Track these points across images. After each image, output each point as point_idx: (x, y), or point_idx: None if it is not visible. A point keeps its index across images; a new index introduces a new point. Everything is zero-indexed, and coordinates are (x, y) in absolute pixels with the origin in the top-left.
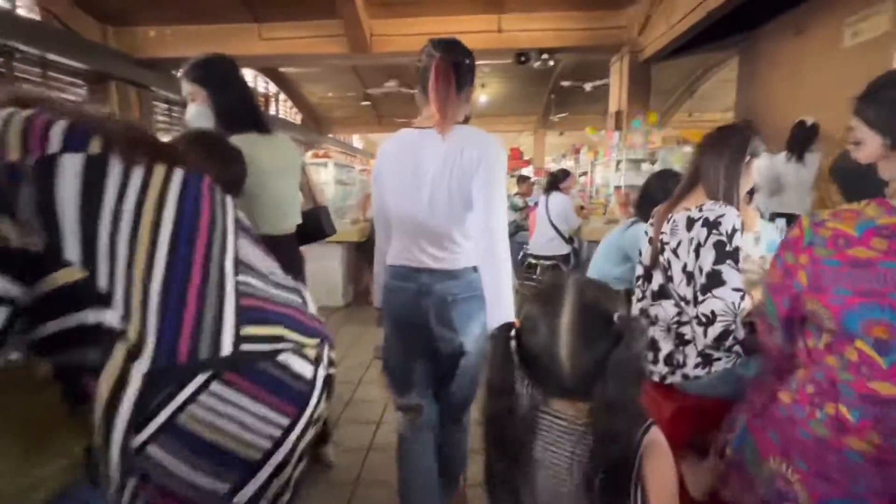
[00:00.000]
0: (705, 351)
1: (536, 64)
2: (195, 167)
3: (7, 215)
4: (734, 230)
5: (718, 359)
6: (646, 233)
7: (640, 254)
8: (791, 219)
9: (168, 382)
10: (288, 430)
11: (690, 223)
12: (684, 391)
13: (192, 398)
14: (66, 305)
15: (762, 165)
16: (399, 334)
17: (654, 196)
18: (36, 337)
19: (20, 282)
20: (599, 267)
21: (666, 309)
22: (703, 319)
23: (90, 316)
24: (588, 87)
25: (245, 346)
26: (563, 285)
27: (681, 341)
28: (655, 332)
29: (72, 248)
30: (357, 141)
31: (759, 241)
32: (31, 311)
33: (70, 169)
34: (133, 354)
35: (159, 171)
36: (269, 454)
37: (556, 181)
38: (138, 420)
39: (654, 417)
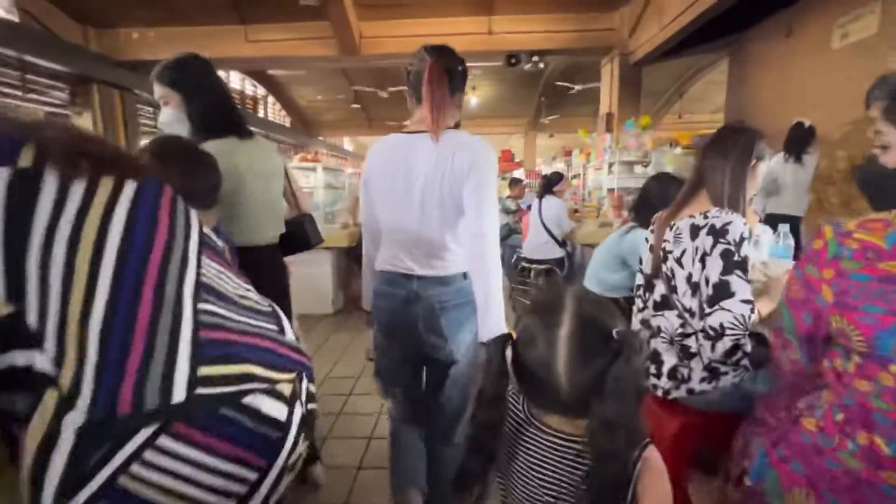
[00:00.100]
0: (712, 365)
1: (527, 66)
2: (154, 178)
3: None
4: (742, 238)
5: (725, 373)
6: (646, 240)
7: (641, 262)
8: (790, 221)
9: (106, 438)
10: (256, 485)
11: (695, 231)
12: (689, 406)
13: (135, 456)
14: None
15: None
16: (388, 340)
17: (652, 201)
18: None
19: None
20: (597, 274)
21: (669, 320)
22: (711, 333)
23: (18, 358)
24: (578, 87)
25: (203, 390)
26: (561, 298)
27: (685, 354)
28: (658, 344)
29: None
30: (348, 144)
31: (759, 245)
32: None
33: None
34: (65, 405)
35: (105, 184)
36: None
37: (550, 184)
38: (71, 482)
39: (658, 434)
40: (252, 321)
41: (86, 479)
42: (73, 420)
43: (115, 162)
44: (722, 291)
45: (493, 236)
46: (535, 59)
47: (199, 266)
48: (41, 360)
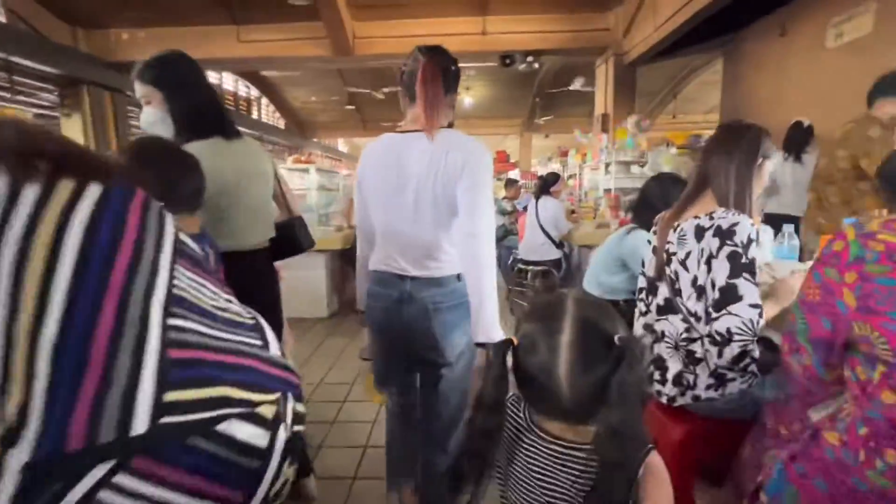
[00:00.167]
0: (718, 371)
1: (521, 66)
2: (124, 181)
3: None
4: (750, 240)
5: (733, 379)
6: (649, 241)
7: (643, 264)
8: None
9: (56, 477)
10: None
11: (700, 232)
12: (695, 413)
13: (88, 497)
14: None
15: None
16: (381, 341)
17: (653, 202)
18: None
19: None
20: (596, 276)
21: (673, 324)
22: (718, 338)
23: None
24: (573, 87)
25: (169, 419)
26: (561, 304)
27: (691, 360)
28: (662, 349)
29: None
30: (342, 145)
31: (760, 246)
32: None
33: None
34: (10, 439)
35: (65, 187)
36: None
37: (547, 185)
38: None
39: (663, 441)
40: (231, 336)
41: None
42: (18, 456)
43: (78, 163)
44: (729, 295)
45: (487, 237)
46: (530, 59)
47: (171, 277)
48: None
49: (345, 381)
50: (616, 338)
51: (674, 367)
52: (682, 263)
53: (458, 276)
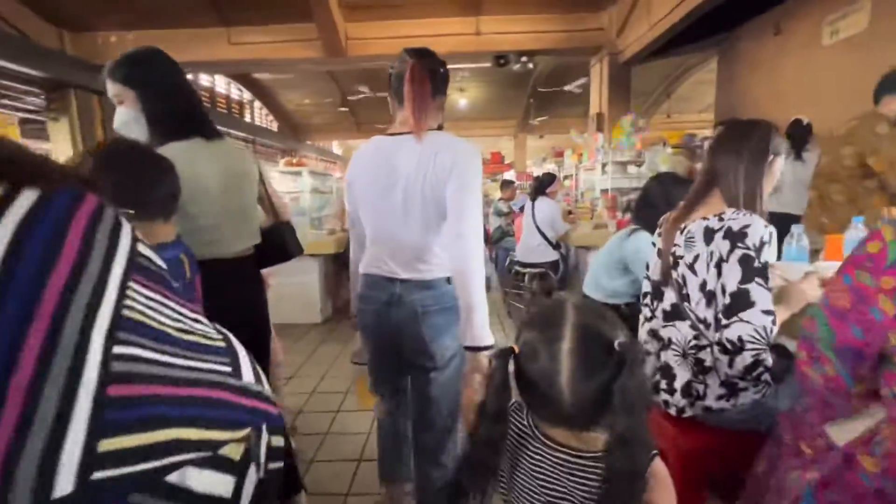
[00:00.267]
0: (729, 380)
1: (516, 66)
2: (70, 186)
3: None
4: (763, 243)
5: (745, 389)
6: (653, 244)
7: (648, 267)
8: (790, 220)
9: None
10: None
11: (709, 234)
12: (705, 425)
13: None
14: None
15: None
16: (371, 344)
17: (655, 203)
18: None
19: None
20: (597, 279)
21: (681, 331)
22: (728, 346)
23: None
24: (567, 87)
25: (104, 473)
26: (561, 311)
27: (700, 369)
28: (669, 357)
29: None
30: (337, 148)
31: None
32: None
33: None
34: None
35: None
36: None
37: (543, 186)
38: None
39: (672, 455)
40: (194, 364)
41: None
42: None
43: (7, 165)
44: (741, 301)
45: (476, 238)
46: (524, 59)
47: (122, 297)
48: None
49: (339, 391)
50: (616, 343)
51: (682, 376)
52: (690, 267)
53: (448, 279)
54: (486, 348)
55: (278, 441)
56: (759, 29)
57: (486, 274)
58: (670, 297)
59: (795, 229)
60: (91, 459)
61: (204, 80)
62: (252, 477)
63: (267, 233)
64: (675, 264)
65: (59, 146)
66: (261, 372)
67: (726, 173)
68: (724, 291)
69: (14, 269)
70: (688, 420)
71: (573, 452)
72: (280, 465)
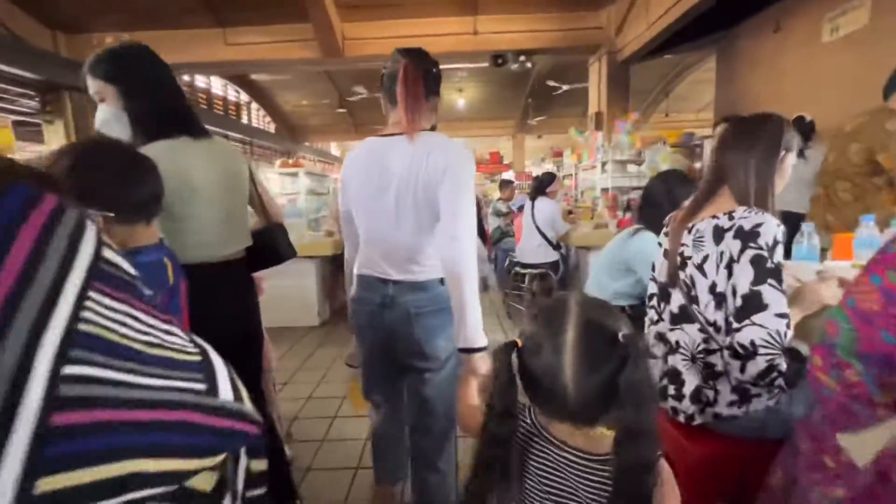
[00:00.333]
0: (741, 386)
1: (514, 66)
2: (25, 186)
3: None
4: (776, 242)
5: (758, 395)
6: (659, 244)
7: (653, 268)
8: (792, 218)
9: None
10: None
11: (719, 233)
12: (717, 433)
13: None
14: None
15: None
16: (365, 346)
17: (659, 201)
18: None
19: None
20: (599, 280)
21: (689, 334)
22: (740, 351)
23: None
24: (566, 87)
25: None
26: (564, 304)
27: (710, 374)
28: (677, 361)
29: None
30: (335, 149)
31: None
32: None
33: None
34: None
35: None
36: None
37: (542, 186)
38: None
39: (682, 464)
40: (163, 383)
41: None
42: None
43: None
44: (753, 304)
45: (469, 240)
46: (522, 58)
47: (79, 309)
48: None
49: (336, 395)
50: (620, 336)
51: (691, 381)
52: (699, 268)
53: (442, 281)
54: (479, 350)
55: (259, 465)
56: (758, 26)
57: (483, 274)
58: (678, 298)
59: (806, 228)
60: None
61: (201, 81)
62: None
63: (258, 235)
64: (683, 265)
65: (55, 148)
66: (241, 387)
67: (736, 170)
68: (734, 293)
69: None
70: (697, 428)
71: (580, 454)
72: (262, 491)
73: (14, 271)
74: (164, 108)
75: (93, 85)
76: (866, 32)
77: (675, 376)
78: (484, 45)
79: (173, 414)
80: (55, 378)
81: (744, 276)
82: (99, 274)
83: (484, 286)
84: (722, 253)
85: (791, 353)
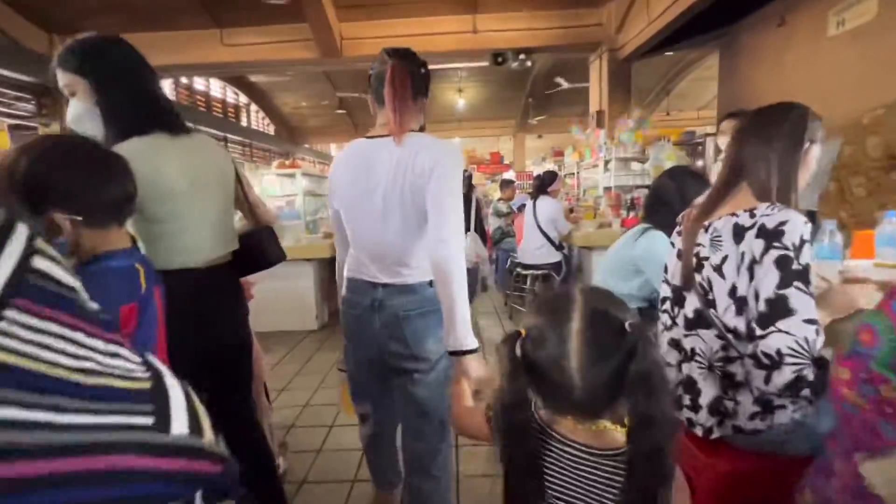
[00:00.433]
0: (764, 397)
1: (514, 64)
2: None
3: None
4: (802, 241)
5: (782, 406)
6: (672, 244)
7: (665, 269)
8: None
9: None
10: None
11: (739, 232)
12: (737, 448)
13: None
14: None
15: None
16: (355, 349)
17: (668, 199)
18: None
19: None
20: (605, 282)
21: (706, 341)
22: (765, 360)
23: None
24: (566, 85)
25: None
26: (568, 295)
27: (730, 384)
28: (693, 369)
29: None
30: (335, 150)
31: None
32: None
33: None
34: None
35: None
36: None
37: (544, 185)
38: None
39: (700, 482)
40: (92, 419)
41: None
42: None
43: None
44: (778, 309)
45: (457, 242)
46: (522, 57)
47: None
48: None
49: (334, 402)
50: (626, 324)
51: (708, 391)
52: (717, 270)
53: (430, 283)
54: (470, 352)
55: None
56: (762, 21)
57: (483, 275)
58: (693, 302)
59: (828, 225)
60: None
61: (199, 83)
62: None
63: (245, 238)
64: (699, 266)
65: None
66: (203, 415)
67: (756, 163)
68: (757, 298)
69: None
70: (716, 442)
71: (585, 449)
72: None
73: None
74: (139, 103)
75: (63, 78)
76: (874, 26)
77: (690, 385)
78: (483, 43)
79: (107, 460)
80: None
81: (768, 278)
82: (23, 288)
83: (484, 287)
84: (743, 253)
85: (817, 362)
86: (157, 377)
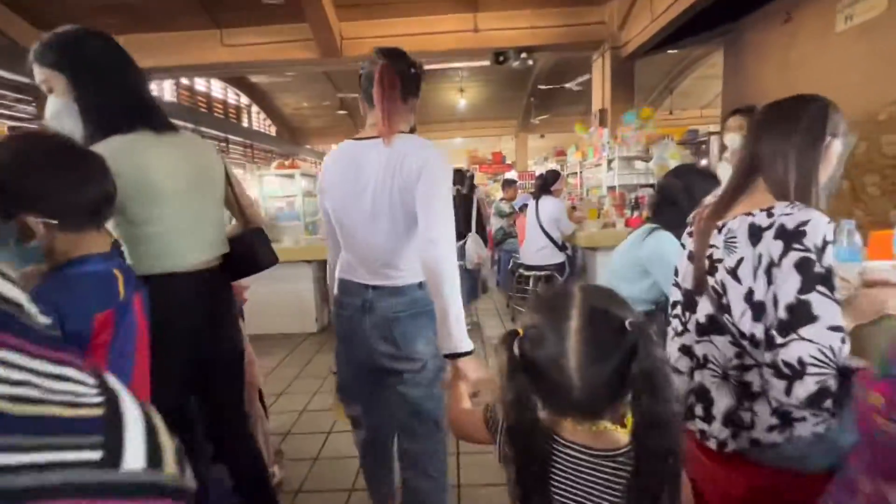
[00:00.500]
0: (783, 408)
1: (515, 63)
2: None
3: None
4: (825, 242)
5: (802, 419)
6: (683, 245)
7: (676, 272)
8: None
9: None
10: None
11: (756, 233)
12: (754, 462)
13: None
14: None
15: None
16: (345, 351)
17: (676, 198)
18: None
19: None
20: (612, 285)
21: (720, 348)
22: (786, 371)
23: None
24: (569, 85)
25: None
26: (567, 293)
27: (746, 394)
28: (705, 377)
29: None
30: None
31: None
32: None
33: None
34: None
35: None
36: None
37: (547, 184)
38: None
39: (712, 498)
40: (28, 458)
41: None
42: None
43: None
44: (801, 315)
45: (447, 242)
46: (524, 55)
47: None
48: None
49: (331, 408)
50: (627, 323)
51: (722, 401)
52: (732, 273)
53: (420, 285)
54: (464, 354)
55: None
56: (767, 17)
57: (484, 277)
58: (705, 307)
59: (846, 225)
60: None
61: (200, 84)
62: None
63: (235, 241)
64: (713, 269)
65: None
66: (165, 443)
67: (773, 159)
68: (777, 303)
69: None
70: (731, 455)
71: (585, 450)
72: None
73: None
74: (120, 99)
75: (39, 73)
76: (883, 21)
77: (702, 394)
78: (485, 42)
79: (49, 502)
80: None
81: (788, 282)
82: None
83: (484, 289)
84: (760, 256)
85: (841, 371)
86: (111, 401)
